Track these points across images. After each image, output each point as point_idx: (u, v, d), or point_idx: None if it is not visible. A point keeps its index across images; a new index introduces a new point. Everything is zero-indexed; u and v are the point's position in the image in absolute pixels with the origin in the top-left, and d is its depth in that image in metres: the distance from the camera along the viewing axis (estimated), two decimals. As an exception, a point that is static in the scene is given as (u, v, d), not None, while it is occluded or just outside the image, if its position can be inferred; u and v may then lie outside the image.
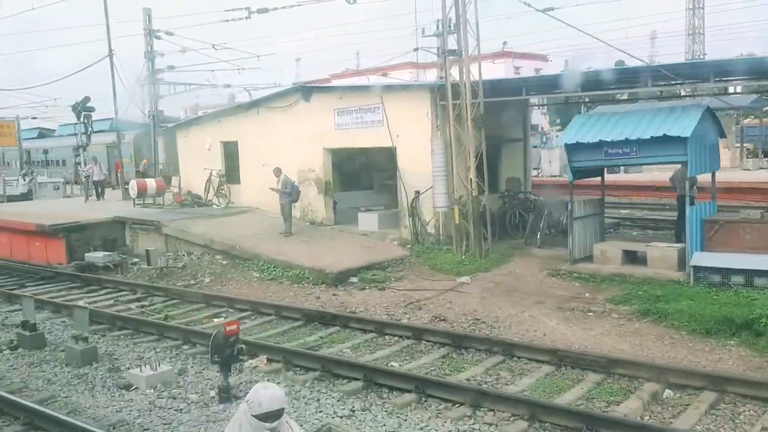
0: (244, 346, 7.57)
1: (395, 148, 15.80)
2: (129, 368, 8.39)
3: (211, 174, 20.97)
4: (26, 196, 29.44)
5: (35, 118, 56.17)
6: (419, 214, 15.23)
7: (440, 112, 14.87)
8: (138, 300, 13.15)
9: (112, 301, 12.98)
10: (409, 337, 9.63)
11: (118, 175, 40.63)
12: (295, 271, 13.69)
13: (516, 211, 15.50)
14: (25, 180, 29.79)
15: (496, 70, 46.51)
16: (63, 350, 9.15)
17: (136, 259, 16.82)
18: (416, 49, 46.09)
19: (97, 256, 16.23)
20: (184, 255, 16.09)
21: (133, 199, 22.53)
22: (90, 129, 37.53)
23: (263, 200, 19.40)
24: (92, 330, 10.55)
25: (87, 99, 37.66)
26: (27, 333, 9.53)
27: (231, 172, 20.72)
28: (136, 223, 18.26)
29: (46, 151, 51.93)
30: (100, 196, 23.43)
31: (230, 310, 11.93)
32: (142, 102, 32.83)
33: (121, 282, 14.51)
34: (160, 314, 11.82)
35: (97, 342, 9.55)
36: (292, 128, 18.30)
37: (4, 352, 9.43)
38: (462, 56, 13.84)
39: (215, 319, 11.41)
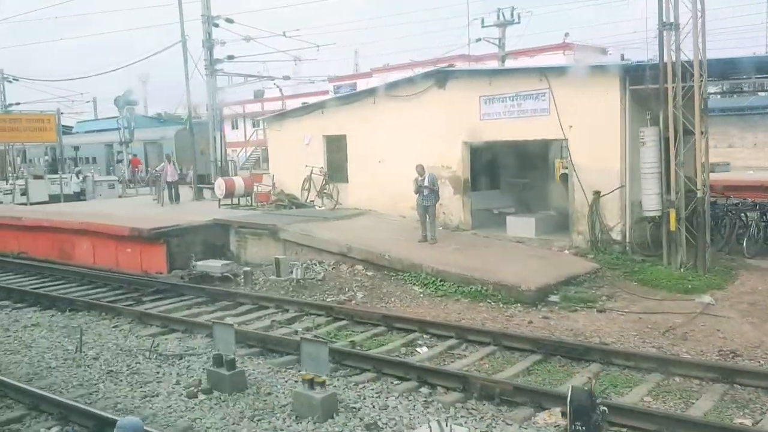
0: (606, 408, 5.47)
1: (566, 141, 13.72)
2: (393, 426, 6.33)
3: (311, 172, 18.91)
4: (79, 196, 27.44)
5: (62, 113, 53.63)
6: (601, 219, 13.13)
7: (630, 97, 12.76)
8: (293, 320, 11.08)
9: (267, 322, 10.92)
10: (717, 380, 7.54)
11: (135, 174, 38.52)
12: (474, 286, 11.61)
13: (726, 215, 13.34)
14: (78, 178, 27.76)
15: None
16: (270, 394, 7.13)
17: (246, 268, 14.74)
18: (478, 40, 43.97)
19: (213, 265, 14.15)
20: (315, 264, 14.01)
21: (219, 200, 20.52)
22: (133, 124, 35.56)
23: (377, 201, 17.39)
24: (276, 363, 8.57)
25: (129, 92, 35.63)
26: (225, 372, 7.46)
27: (336, 170, 18.66)
28: (244, 226, 16.20)
29: (76, 148, 49.59)
30: (174, 198, 21.17)
31: (424, 335, 9.86)
32: (207, 94, 30.87)
33: (258, 296, 12.42)
34: (342, 340, 9.76)
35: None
36: (420, 119, 16.24)
37: (200, 397, 7.36)
38: (678, 30, 11.66)
39: (418, 349, 9.35)
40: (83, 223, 17.35)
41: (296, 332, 10.17)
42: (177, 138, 43.03)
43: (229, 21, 30.57)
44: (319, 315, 11.16)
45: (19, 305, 12.73)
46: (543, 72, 14.10)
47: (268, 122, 20.90)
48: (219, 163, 31.23)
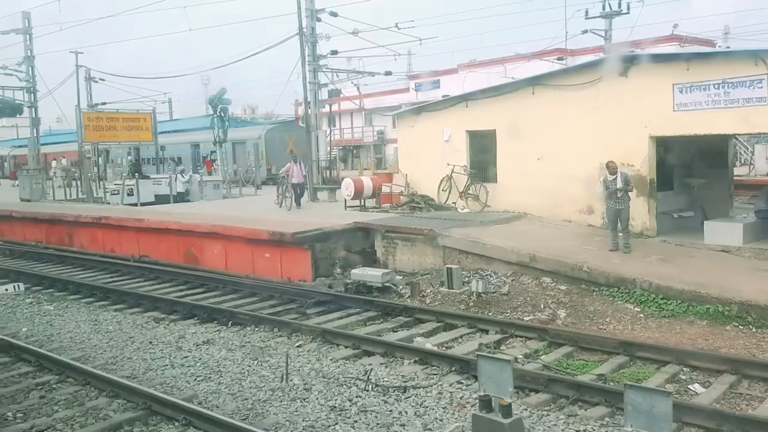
0: None
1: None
2: None
3: (452, 171, 17.38)
4: (183, 197, 26.75)
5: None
6: None
7: None
8: (499, 343, 9.55)
9: (472, 344, 9.42)
10: None
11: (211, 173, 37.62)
12: (710, 306, 9.81)
13: None
14: (184, 177, 27.08)
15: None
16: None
17: (412, 279, 13.31)
18: (585, 32, 41.56)
19: (372, 274, 12.75)
20: (491, 276, 12.45)
21: (345, 202, 19.24)
22: (227, 123, 34.92)
23: (533, 204, 15.76)
24: (532, 402, 7.02)
25: (223, 91, 35.06)
26: (501, 420, 5.94)
27: (482, 169, 17.08)
28: (392, 231, 14.80)
29: (162, 148, 49.42)
30: (297, 201, 19.80)
31: (683, 368, 8.15)
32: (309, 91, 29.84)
33: (440, 312, 10.93)
34: (580, 371, 8.16)
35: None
36: (591, 111, 14.51)
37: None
38: None
39: (691, 387, 7.65)
40: (215, 226, 16.31)
41: (521, 361, 8.62)
42: (267, 137, 42.43)
43: (333, 14, 29.51)
44: (529, 338, 9.59)
45: (173, 317, 11.67)
46: (758, 55, 12.15)
47: (400, 117, 19.48)
48: (323, 163, 30.21)
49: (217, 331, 10.53)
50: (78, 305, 12.98)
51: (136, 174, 28.23)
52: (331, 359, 8.77)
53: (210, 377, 8.11)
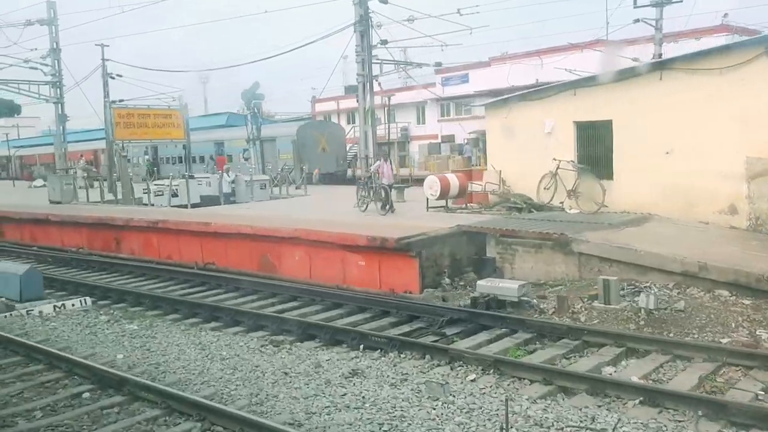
0: None
1: None
2: None
3: (557, 167, 15.79)
4: (229, 198, 25.20)
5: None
6: None
7: None
8: (712, 374, 7.95)
9: (691, 378, 7.81)
10: None
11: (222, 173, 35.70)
12: None
13: None
14: (229, 176, 25.51)
15: (703, 48, 40.07)
16: None
17: (559, 294, 11.67)
18: (636, 21, 39.89)
19: (506, 287, 11.12)
20: (649, 288, 10.84)
21: (427, 202, 17.64)
22: (260, 120, 33.38)
23: (659, 203, 14.20)
24: None
25: (257, 85, 33.61)
26: None
27: (593, 164, 15.49)
28: (509, 235, 13.20)
29: (184, 146, 47.70)
30: (387, 202, 17.94)
31: None
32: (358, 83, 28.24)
33: (616, 334, 9.32)
34: None
35: None
36: (735, 99, 12.91)
37: None
38: None
39: None
40: (297, 230, 14.71)
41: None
42: (299, 134, 40.83)
43: (383, 1, 27.93)
44: (749, 366, 7.99)
45: (287, 337, 10.10)
46: None
47: (490, 108, 17.86)
48: (372, 160, 28.65)
49: (356, 358, 8.94)
50: (163, 323, 11.42)
51: (186, 173, 26.62)
52: (527, 399, 7.17)
53: (397, 426, 6.51)
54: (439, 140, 61.26)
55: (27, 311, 12.16)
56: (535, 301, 11.31)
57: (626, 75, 14.79)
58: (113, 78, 46.74)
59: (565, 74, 44.03)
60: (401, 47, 30.25)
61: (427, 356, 8.83)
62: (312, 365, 8.56)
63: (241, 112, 67.26)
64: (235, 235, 16.16)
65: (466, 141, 58.34)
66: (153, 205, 23.25)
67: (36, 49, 30.55)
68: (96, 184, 31.98)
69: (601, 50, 47.11)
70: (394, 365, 8.53)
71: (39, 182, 46.19)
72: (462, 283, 13.21)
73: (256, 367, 8.61)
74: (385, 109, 66.06)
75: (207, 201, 24.41)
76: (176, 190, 23.88)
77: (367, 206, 17.60)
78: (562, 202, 15.63)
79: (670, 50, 39.04)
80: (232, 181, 25.68)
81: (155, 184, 23.86)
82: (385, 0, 27.75)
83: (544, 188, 15.99)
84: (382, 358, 8.91)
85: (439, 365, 8.53)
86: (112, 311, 12.55)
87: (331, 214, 18.01)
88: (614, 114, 14.80)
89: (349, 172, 43.60)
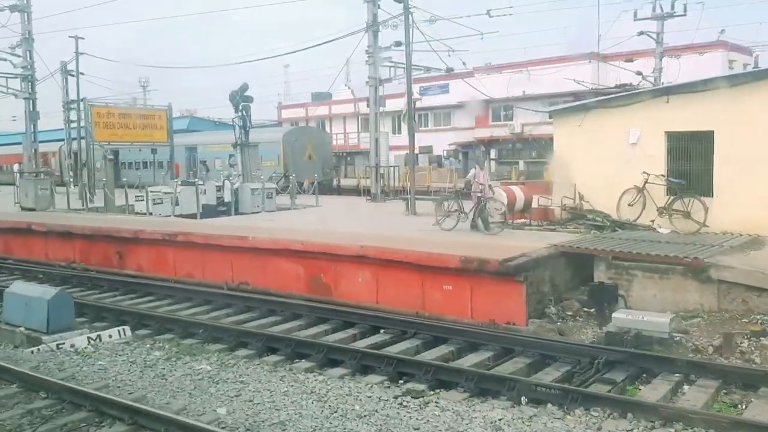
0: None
1: None
2: None
3: (645, 181, 14.41)
4: (230, 208, 23.03)
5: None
6: None
7: None
8: None
9: None
10: None
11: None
12: None
13: None
14: (231, 185, 23.37)
15: (704, 63, 40.11)
16: None
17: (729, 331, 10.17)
18: (640, 33, 39.15)
19: (652, 321, 9.55)
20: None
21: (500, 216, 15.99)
22: (249, 124, 31.30)
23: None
24: None
25: (245, 87, 31.66)
26: None
27: (691, 179, 14.16)
28: (624, 258, 11.68)
29: (154, 151, 44.74)
30: (480, 218, 14.95)
31: None
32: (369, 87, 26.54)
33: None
34: None
35: None
36: None
37: None
38: None
39: None
40: (365, 248, 12.86)
41: None
42: (286, 141, 38.83)
43: (398, 0, 26.30)
44: None
45: (416, 385, 8.28)
46: None
47: (560, 115, 16.38)
48: (382, 170, 27.02)
49: (535, 416, 7.20)
50: (237, 362, 9.43)
51: (195, 179, 24.25)
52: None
53: None
54: (417, 151, 59.91)
55: (57, 345, 9.98)
56: (678, 337, 9.81)
57: (734, 82, 13.54)
58: (72, 75, 43.71)
59: (564, 84, 43.40)
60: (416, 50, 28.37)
61: (599, 409, 7.17)
62: (490, 426, 6.79)
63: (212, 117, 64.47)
64: (278, 252, 14.19)
65: (445, 152, 57.26)
66: (151, 214, 20.90)
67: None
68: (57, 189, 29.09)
69: (594, 62, 46.71)
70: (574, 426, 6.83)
71: (-22, 186, 42.83)
72: (570, 313, 11.62)
73: (416, 430, 6.79)
74: (358, 117, 64.76)
75: (210, 211, 22.22)
76: (178, 198, 21.59)
77: (457, 223, 15.00)
78: (652, 221, 14.22)
79: (671, 65, 38.84)
80: (235, 190, 23.51)
81: (152, 191, 21.50)
82: (400, -1, 26.17)
83: (629, 204, 14.58)
84: (555, 417, 7.19)
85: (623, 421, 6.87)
86: (161, 344, 10.50)
87: (377, 227, 16.22)
88: (717, 124, 13.53)
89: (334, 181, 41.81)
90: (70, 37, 33.80)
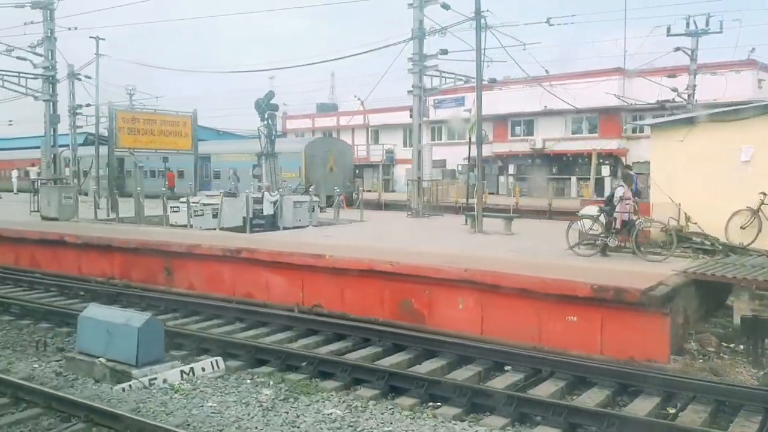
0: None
1: None
2: None
3: (761, 202, 13.36)
4: (271, 222, 21.78)
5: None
6: None
7: None
8: None
9: None
10: None
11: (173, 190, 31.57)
12: None
13: None
14: (272, 196, 22.09)
15: (733, 83, 39.44)
16: None
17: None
18: (677, 49, 38.25)
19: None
20: None
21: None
22: (274, 133, 30.12)
23: None
24: None
25: (271, 95, 30.55)
26: None
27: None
28: (772, 288, 10.55)
29: (165, 159, 43.23)
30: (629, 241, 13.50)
31: None
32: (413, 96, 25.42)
33: None
34: None
35: None
36: None
37: None
38: None
39: None
40: (470, 272, 11.65)
41: None
42: (308, 152, 37.63)
43: (445, 7, 25.36)
44: None
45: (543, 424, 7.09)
46: None
47: (660, 129, 15.29)
48: (426, 183, 25.88)
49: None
50: (363, 403, 8.20)
51: (258, 190, 22.91)
52: None
53: None
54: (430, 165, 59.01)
55: (150, 381, 8.67)
56: None
57: None
58: (80, 79, 42.27)
59: (587, 99, 42.49)
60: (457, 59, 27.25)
61: None
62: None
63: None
64: (360, 273, 12.95)
65: (460, 167, 56.21)
66: (192, 226, 19.57)
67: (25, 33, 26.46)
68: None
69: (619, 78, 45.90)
70: None
71: (-21, 192, 41.29)
72: (711, 348, 10.48)
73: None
74: (368, 129, 63.72)
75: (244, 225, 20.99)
76: (215, 211, 20.33)
77: (604, 247, 13.53)
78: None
79: (706, 82, 38.13)
80: (275, 202, 22.24)
81: (194, 203, 20.21)
82: (447, 5, 25.18)
83: (740, 227, 13.49)
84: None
85: None
86: (262, 379, 9.24)
87: (458, 246, 15.03)
88: None
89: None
90: (90, 37, 32.41)
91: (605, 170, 46.35)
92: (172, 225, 20.82)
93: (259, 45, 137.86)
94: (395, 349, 10.78)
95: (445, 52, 25.51)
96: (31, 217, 24.41)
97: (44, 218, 23.10)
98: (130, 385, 8.50)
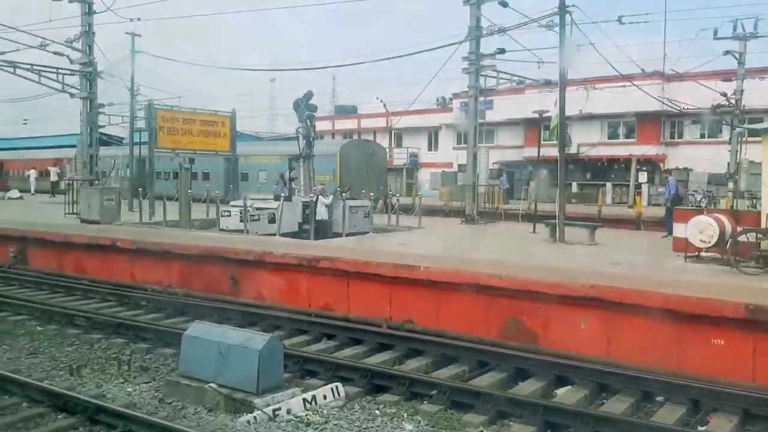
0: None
1: None
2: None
3: None
4: (324, 226, 20.78)
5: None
6: None
7: None
8: None
9: None
10: None
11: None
12: None
13: None
14: (326, 199, 21.10)
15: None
16: None
17: None
18: (726, 53, 37.25)
19: None
20: None
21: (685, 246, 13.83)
22: (313, 134, 29.08)
23: None
24: None
25: (310, 94, 29.56)
26: None
27: None
28: None
29: (192, 160, 41.96)
30: None
31: None
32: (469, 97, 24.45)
33: None
34: None
35: None
36: None
37: None
38: None
39: None
40: (596, 288, 10.61)
41: None
42: (342, 154, 36.63)
43: (503, 4, 24.38)
44: None
45: None
46: None
47: (772, 133, 14.18)
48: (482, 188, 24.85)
49: None
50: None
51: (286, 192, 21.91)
52: None
53: None
54: (456, 169, 58.11)
55: (273, 411, 7.67)
56: None
57: None
58: (102, 78, 41.26)
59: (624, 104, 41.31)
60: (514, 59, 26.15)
61: None
62: None
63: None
64: (460, 287, 11.93)
65: (490, 171, 55.10)
66: (247, 231, 18.57)
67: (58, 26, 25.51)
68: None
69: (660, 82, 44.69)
70: None
71: (15, 193, 40.33)
72: None
73: None
74: (391, 132, 62.72)
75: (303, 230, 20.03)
76: (272, 216, 19.35)
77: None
78: None
79: (755, 87, 37.12)
80: (328, 206, 21.25)
81: (255, 207, 19.26)
82: (505, 3, 24.20)
83: None
84: None
85: None
86: (392, 410, 8.23)
87: (553, 258, 14.00)
88: None
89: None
90: (126, 33, 31.51)
91: (642, 176, 45.31)
92: (220, 230, 19.84)
93: (259, 46, 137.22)
94: (518, 375, 9.76)
95: (502, 51, 24.54)
96: (66, 219, 23.47)
97: (84, 221, 22.14)
98: (255, 417, 7.51)
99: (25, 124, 69.81)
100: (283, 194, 21.47)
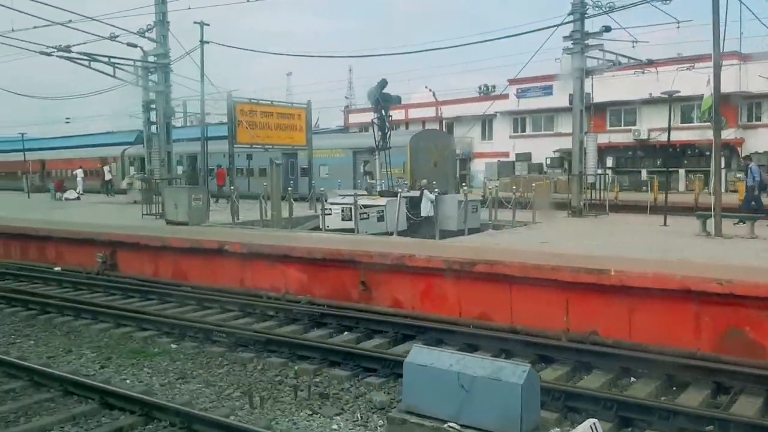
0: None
1: None
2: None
3: None
4: (430, 223, 19.26)
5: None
6: None
7: None
8: None
9: None
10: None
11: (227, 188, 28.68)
12: None
13: None
14: (431, 195, 19.58)
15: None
16: None
17: None
18: None
19: None
20: None
21: None
22: (388, 125, 27.57)
23: None
24: None
25: (384, 83, 27.98)
26: None
27: None
28: None
29: (249, 156, 40.64)
30: None
31: None
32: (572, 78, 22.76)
33: None
34: None
35: None
36: None
37: None
38: None
39: None
40: None
41: None
42: (413, 145, 35.15)
43: (608, -23, 22.59)
44: None
45: None
46: None
47: None
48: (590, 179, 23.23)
49: None
50: None
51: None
52: None
53: None
54: (513, 158, 56.32)
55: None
56: None
57: None
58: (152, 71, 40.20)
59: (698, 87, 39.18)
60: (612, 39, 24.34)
61: None
62: None
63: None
64: (662, 293, 10.37)
65: (548, 160, 53.32)
66: (357, 231, 17.19)
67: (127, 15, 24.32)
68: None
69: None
70: None
71: (72, 194, 39.43)
72: None
73: None
74: (441, 122, 61.11)
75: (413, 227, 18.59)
76: (381, 213, 17.95)
77: None
78: None
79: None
80: (433, 201, 19.76)
81: (364, 205, 17.87)
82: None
83: None
84: None
85: None
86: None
87: (711, 255, 12.36)
88: None
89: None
90: (195, 23, 30.30)
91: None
92: (318, 229, 18.55)
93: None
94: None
95: (608, 29, 22.84)
96: (145, 221, 22.33)
97: (170, 222, 20.94)
98: (533, 471, 6.04)
99: (67, 122, 69.55)
100: (376, 189, 20.06)
